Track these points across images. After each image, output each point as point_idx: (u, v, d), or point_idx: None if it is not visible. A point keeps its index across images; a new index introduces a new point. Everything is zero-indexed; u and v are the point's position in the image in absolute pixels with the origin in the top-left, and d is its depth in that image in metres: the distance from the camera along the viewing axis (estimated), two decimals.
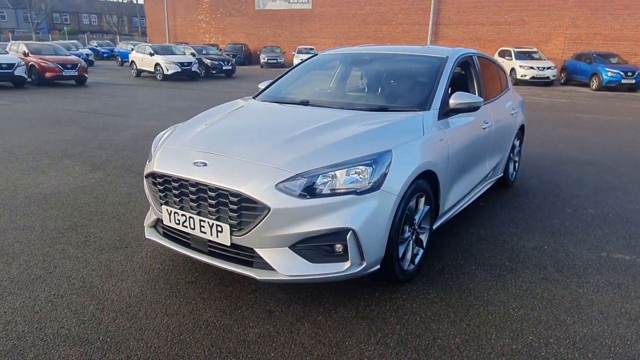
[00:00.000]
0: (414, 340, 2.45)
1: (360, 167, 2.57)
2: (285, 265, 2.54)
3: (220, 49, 31.02)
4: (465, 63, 4.13)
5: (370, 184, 2.56)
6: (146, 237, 3.09)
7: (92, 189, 4.97)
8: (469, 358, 2.32)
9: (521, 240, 3.79)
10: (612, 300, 2.89)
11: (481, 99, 3.44)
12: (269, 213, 2.45)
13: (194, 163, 2.72)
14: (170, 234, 2.97)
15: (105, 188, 5.00)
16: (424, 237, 3.17)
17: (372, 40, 28.53)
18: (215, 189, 2.57)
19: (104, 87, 16.53)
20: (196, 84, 18.91)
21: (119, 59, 31.13)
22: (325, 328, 2.55)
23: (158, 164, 2.89)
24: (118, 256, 3.38)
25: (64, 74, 16.48)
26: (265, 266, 2.58)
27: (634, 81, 17.54)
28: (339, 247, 2.55)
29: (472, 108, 3.41)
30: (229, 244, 2.60)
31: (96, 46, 39.12)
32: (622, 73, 17.53)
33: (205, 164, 2.68)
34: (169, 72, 19.73)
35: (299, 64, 4.46)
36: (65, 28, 60.29)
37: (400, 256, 2.89)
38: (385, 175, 2.62)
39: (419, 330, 2.55)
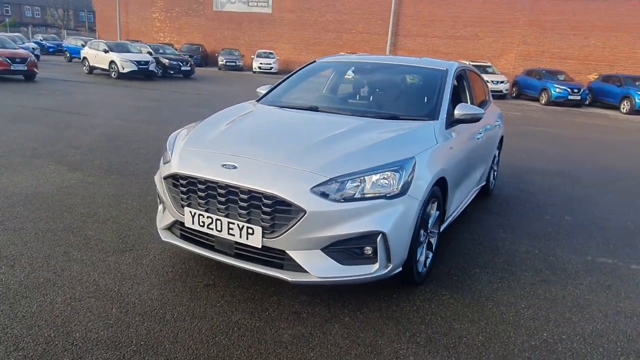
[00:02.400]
0: (442, 339, 2.57)
1: (389, 173, 2.68)
2: (317, 267, 2.59)
3: (176, 49, 30.35)
4: (459, 76, 4.34)
5: (398, 189, 2.67)
6: (162, 240, 3.04)
7: (76, 190, 4.77)
8: (495, 354, 2.47)
9: (513, 245, 4.03)
10: (606, 300, 3.15)
11: (483, 111, 3.65)
12: (305, 216, 2.50)
13: (223, 165, 2.72)
14: (190, 236, 2.94)
15: (89, 189, 4.82)
16: (433, 241, 3.31)
17: (333, 47, 28.91)
18: (248, 192, 2.59)
19: (56, 84, 15.77)
20: (154, 83, 18.41)
21: (68, 55, 29.78)
22: (355, 328, 2.62)
23: (181, 166, 2.86)
24: (126, 259, 3.29)
25: (12, 68, 15.55)
26: (297, 268, 2.62)
27: (579, 97, 18.85)
28: (368, 249, 2.64)
29: (474, 119, 3.61)
30: (260, 246, 2.62)
31: (42, 40, 37.21)
32: (569, 89, 18.80)
33: (235, 167, 2.69)
34: (125, 71, 19.10)
35: (298, 70, 4.51)
36: (6, 19, 56.79)
37: (417, 259, 3.01)
38: (410, 181, 2.73)
39: (443, 329, 2.67)
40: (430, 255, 3.29)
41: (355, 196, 2.58)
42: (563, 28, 22.88)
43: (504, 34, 24.21)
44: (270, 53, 29.46)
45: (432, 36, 25.98)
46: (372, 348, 2.45)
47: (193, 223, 2.82)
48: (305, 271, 2.60)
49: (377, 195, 2.61)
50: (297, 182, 2.57)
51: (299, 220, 2.51)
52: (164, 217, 3.16)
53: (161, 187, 3.09)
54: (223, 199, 2.68)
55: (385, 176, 2.67)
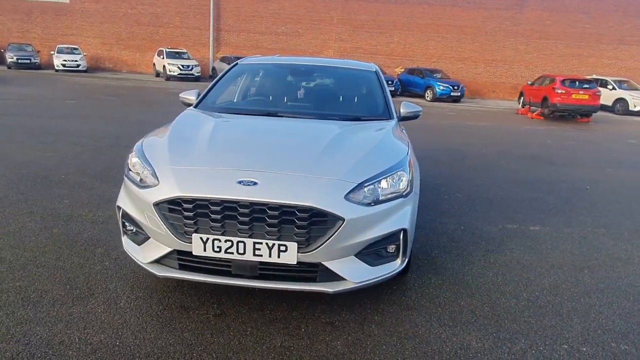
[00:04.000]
0: (460, 316, 2.87)
1: (400, 172, 2.84)
2: (354, 273, 2.61)
3: None
4: None
5: (409, 187, 2.85)
6: (158, 275, 2.65)
7: None
8: (508, 319, 2.87)
9: (442, 225, 4.57)
10: (538, 259, 3.87)
11: (421, 108, 4.04)
12: (343, 224, 2.49)
13: (240, 182, 2.52)
14: (195, 265, 2.63)
15: None
16: None
17: (149, 42, 27.03)
18: (279, 207, 2.45)
19: None
20: None
21: None
22: (390, 324, 2.74)
23: (185, 188, 2.53)
24: (96, 307, 2.76)
25: None
26: (331, 278, 2.60)
27: (393, 88, 21.45)
28: (391, 247, 2.76)
29: (416, 116, 3.98)
30: (295, 263, 2.51)
31: None
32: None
33: (255, 183, 2.52)
34: None
35: (225, 73, 4.27)
36: None
37: None
38: (412, 179, 2.94)
39: (455, 307, 2.97)
40: None
41: (381, 198, 2.67)
42: (371, 27, 25.67)
43: (322, 31, 26.00)
44: (75, 48, 26.07)
45: (255, 32, 26.36)
46: (420, 338, 2.61)
47: (205, 250, 2.53)
48: (342, 279, 2.59)
49: (396, 195, 2.74)
50: (330, 191, 2.54)
51: (337, 230, 2.49)
52: (147, 250, 2.74)
53: (144, 215, 2.67)
54: (246, 219, 2.47)
55: (397, 176, 2.81)
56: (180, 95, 4.12)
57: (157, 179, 2.65)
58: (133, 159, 2.94)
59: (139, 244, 2.81)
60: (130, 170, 2.91)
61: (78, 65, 25.19)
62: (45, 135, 8.12)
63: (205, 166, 2.69)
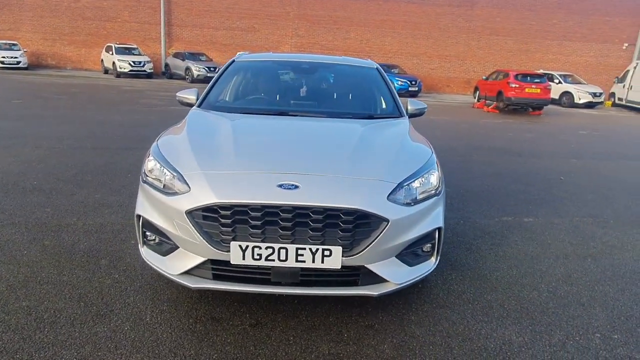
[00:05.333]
0: (492, 312, 2.91)
1: (432, 171, 2.83)
2: (395, 275, 2.58)
3: None
4: None
5: (440, 185, 2.84)
6: (192, 287, 2.50)
7: None
8: (535, 311, 2.94)
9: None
10: (542, 249, 3.99)
11: (427, 105, 4.06)
12: (388, 225, 2.45)
13: (280, 186, 2.42)
14: (230, 274, 2.50)
15: None
16: None
17: (95, 37, 25.72)
18: (323, 211, 2.38)
19: None
20: None
21: None
22: (429, 324, 2.73)
23: (222, 194, 2.40)
24: (119, 324, 2.57)
25: None
26: (372, 280, 2.55)
27: None
28: (427, 246, 2.75)
29: (421, 113, 3.99)
30: (339, 267, 2.44)
31: None
32: None
33: (296, 186, 2.42)
34: None
35: (222, 72, 4.09)
36: None
37: None
38: (441, 176, 2.93)
39: (483, 303, 3.01)
40: None
41: (418, 198, 2.65)
42: (328, 22, 25.67)
43: (279, 27, 25.71)
44: (14, 44, 24.43)
45: (209, 27, 25.67)
46: (462, 336, 2.62)
47: (244, 258, 2.41)
48: (384, 281, 2.55)
49: (430, 194, 2.73)
50: (373, 193, 2.49)
51: (382, 232, 2.45)
52: (175, 260, 2.58)
53: (173, 224, 2.51)
54: (289, 224, 2.38)
55: (428, 175, 2.80)
56: (177, 94, 3.93)
57: (188, 185, 2.50)
58: (150, 163, 2.76)
59: (163, 255, 2.64)
60: (147, 175, 2.73)
61: (18, 62, 23.71)
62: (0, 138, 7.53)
63: (240, 170, 2.56)
